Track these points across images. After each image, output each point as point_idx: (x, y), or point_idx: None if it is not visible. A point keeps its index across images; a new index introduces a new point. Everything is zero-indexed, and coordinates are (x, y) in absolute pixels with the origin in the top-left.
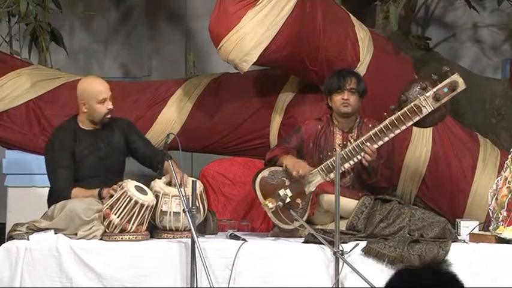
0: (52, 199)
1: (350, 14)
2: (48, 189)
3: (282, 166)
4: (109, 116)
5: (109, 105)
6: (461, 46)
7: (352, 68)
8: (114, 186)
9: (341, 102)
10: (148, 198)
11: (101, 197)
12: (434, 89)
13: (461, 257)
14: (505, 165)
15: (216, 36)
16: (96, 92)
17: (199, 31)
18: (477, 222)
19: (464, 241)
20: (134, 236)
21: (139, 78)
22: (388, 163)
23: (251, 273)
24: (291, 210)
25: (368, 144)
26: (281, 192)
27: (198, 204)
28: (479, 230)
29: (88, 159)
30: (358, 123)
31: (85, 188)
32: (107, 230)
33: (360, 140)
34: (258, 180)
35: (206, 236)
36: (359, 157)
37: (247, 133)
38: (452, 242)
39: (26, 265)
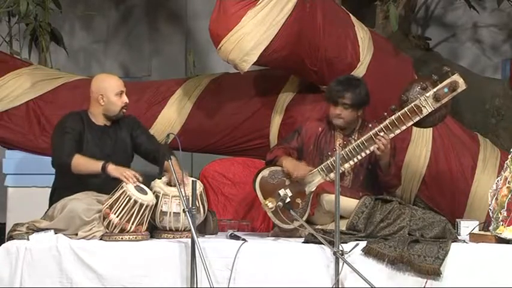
0: (54, 197)
1: (350, 14)
2: (48, 189)
3: (282, 166)
4: (125, 110)
5: (125, 99)
6: (461, 46)
7: (353, 77)
8: (126, 172)
9: (334, 115)
10: (148, 198)
11: (104, 171)
12: (435, 89)
13: (461, 257)
14: (505, 165)
15: (216, 36)
16: (114, 85)
17: (199, 31)
18: (477, 222)
19: (464, 241)
20: (134, 236)
21: (139, 78)
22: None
23: (251, 273)
24: (291, 210)
25: (382, 134)
26: (281, 192)
27: (198, 205)
28: (479, 230)
29: (94, 154)
30: (360, 126)
31: (88, 185)
32: (106, 230)
33: (360, 140)
34: (258, 180)
35: (206, 236)
36: (359, 157)
37: (247, 133)
38: (452, 242)
39: (26, 265)
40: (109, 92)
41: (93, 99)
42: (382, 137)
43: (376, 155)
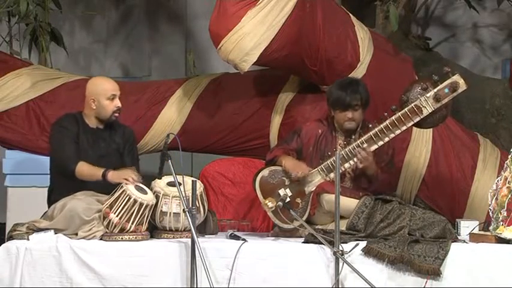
0: (52, 198)
1: (350, 14)
2: (48, 189)
3: (281, 166)
4: (117, 114)
5: (118, 103)
6: (461, 46)
7: (352, 79)
8: (124, 175)
9: (345, 120)
10: (148, 198)
11: (104, 178)
12: (435, 90)
13: (461, 257)
14: (505, 165)
15: (216, 36)
16: (106, 89)
17: (199, 31)
18: (477, 222)
19: (464, 241)
20: (134, 236)
21: (139, 78)
22: (388, 168)
23: (251, 273)
24: (290, 210)
25: (364, 146)
26: (281, 191)
27: (198, 205)
28: (479, 230)
29: (87, 156)
30: (361, 127)
31: (83, 185)
32: (106, 230)
33: (361, 139)
34: (258, 179)
35: (206, 236)
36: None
37: (247, 133)
38: (452, 242)
39: (26, 265)
40: (101, 96)
41: (87, 102)
42: (363, 149)
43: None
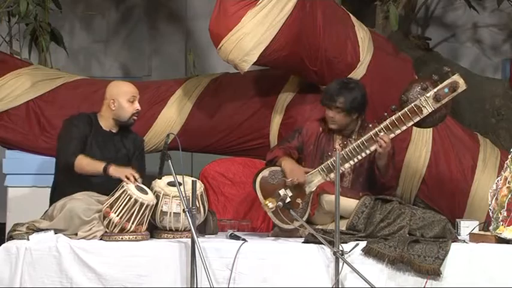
0: (55, 196)
1: (350, 14)
2: (48, 189)
3: (281, 167)
4: (135, 117)
5: (137, 106)
6: (461, 46)
7: (350, 81)
8: (126, 172)
9: (328, 118)
10: (148, 198)
11: (105, 172)
12: (435, 90)
13: (461, 257)
14: (505, 165)
15: (216, 36)
16: (127, 91)
17: (199, 31)
18: (477, 222)
19: (464, 241)
20: (134, 236)
21: (139, 78)
22: (392, 164)
23: (251, 273)
24: (291, 210)
25: (382, 134)
26: (281, 192)
27: (198, 205)
28: (479, 230)
29: (96, 157)
30: (360, 127)
31: (86, 185)
32: (106, 230)
33: (361, 140)
34: (258, 180)
35: (206, 236)
36: (359, 157)
37: (247, 133)
38: (452, 242)
39: (26, 265)
40: (121, 97)
41: (105, 104)
42: (382, 137)
43: (375, 156)
